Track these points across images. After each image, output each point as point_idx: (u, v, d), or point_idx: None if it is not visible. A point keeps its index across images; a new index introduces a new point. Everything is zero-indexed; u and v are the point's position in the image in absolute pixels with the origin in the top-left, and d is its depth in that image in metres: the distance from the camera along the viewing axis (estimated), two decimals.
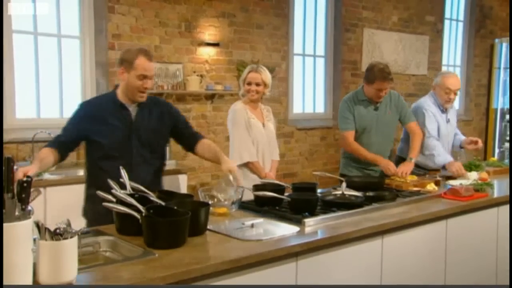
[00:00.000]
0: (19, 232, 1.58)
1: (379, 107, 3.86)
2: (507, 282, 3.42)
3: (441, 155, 3.99)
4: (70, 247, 1.71)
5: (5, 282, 1.56)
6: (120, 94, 2.78)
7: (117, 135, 2.73)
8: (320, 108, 6.73)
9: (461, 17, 8.49)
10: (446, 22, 8.15)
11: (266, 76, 3.59)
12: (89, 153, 2.81)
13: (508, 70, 8.60)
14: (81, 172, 4.49)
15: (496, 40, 8.74)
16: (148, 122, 2.80)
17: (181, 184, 4.68)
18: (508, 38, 8.44)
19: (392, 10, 7.19)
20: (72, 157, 4.57)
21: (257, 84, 3.56)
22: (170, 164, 4.76)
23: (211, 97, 5.47)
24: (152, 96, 2.96)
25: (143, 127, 2.79)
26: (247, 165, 3.54)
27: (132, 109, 2.78)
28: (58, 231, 1.71)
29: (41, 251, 1.67)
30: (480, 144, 4.29)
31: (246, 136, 3.54)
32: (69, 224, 1.75)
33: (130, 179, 2.55)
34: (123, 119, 2.75)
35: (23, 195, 1.62)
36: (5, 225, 1.56)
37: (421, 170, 4.23)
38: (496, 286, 3.43)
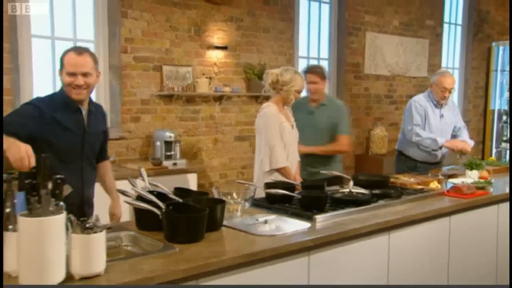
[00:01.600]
0: (54, 226, 1.64)
1: (316, 111, 3.96)
2: (506, 280, 3.45)
3: (439, 138, 4.27)
4: (100, 240, 1.77)
5: (42, 273, 1.62)
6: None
7: (71, 140, 2.60)
8: None
9: (460, 21, 8.53)
10: (445, 26, 8.20)
11: None
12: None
13: (505, 72, 8.65)
14: None
15: (493, 44, 8.78)
16: (96, 129, 2.74)
17: (192, 183, 4.74)
18: (505, 42, 8.50)
19: (393, 14, 7.24)
20: None
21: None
22: (180, 164, 4.85)
23: (219, 98, 5.53)
24: (96, 102, 2.84)
25: (92, 133, 2.70)
26: (278, 170, 3.44)
27: (85, 114, 2.65)
28: (87, 225, 1.78)
29: (73, 244, 1.73)
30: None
31: (279, 142, 3.42)
32: (97, 219, 1.81)
33: (81, 184, 2.58)
34: (77, 123, 2.61)
35: (57, 191, 1.68)
36: (41, 219, 1.62)
37: (419, 163, 4.38)
38: (496, 286, 3.46)
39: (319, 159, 3.94)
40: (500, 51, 8.75)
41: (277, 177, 3.41)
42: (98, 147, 2.80)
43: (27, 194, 1.67)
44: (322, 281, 2.44)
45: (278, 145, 3.44)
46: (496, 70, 8.81)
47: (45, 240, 1.62)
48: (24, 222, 1.62)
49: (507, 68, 8.52)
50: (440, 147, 4.31)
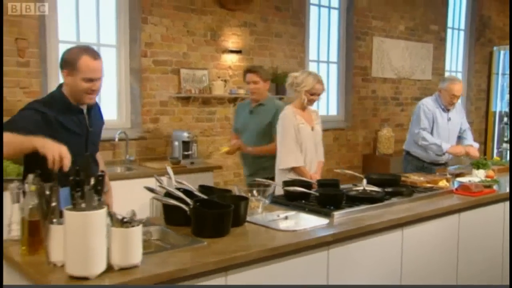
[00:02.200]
0: (97, 220, 1.69)
1: (254, 111, 3.91)
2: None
3: (443, 144, 4.27)
4: (137, 233, 1.82)
5: (87, 264, 1.67)
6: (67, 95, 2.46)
7: (76, 142, 2.43)
8: (333, 111, 6.82)
9: (463, 26, 8.55)
10: (449, 31, 8.22)
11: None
12: (33, 156, 2.17)
13: (506, 76, 8.66)
14: (118, 169, 4.62)
15: (495, 48, 8.80)
16: (97, 126, 2.66)
17: (208, 181, 4.77)
18: (505, 46, 8.50)
19: (399, 19, 7.27)
20: (108, 156, 4.68)
21: (319, 95, 3.56)
22: (197, 163, 4.90)
23: (233, 100, 5.57)
24: None
25: (94, 132, 2.61)
26: (294, 169, 3.48)
27: (85, 113, 2.52)
28: (125, 219, 1.82)
29: (113, 237, 1.77)
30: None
31: (293, 142, 3.46)
32: (134, 214, 1.86)
33: None
34: (80, 124, 2.49)
35: (99, 187, 1.73)
36: (86, 213, 1.68)
37: (425, 164, 4.39)
38: (496, 286, 3.46)
39: (258, 160, 3.93)
40: (501, 55, 8.77)
41: (294, 176, 3.44)
42: (98, 141, 2.73)
43: (72, 190, 1.71)
44: (341, 274, 2.49)
45: (291, 146, 3.47)
46: (497, 74, 8.83)
47: (89, 233, 1.67)
48: (70, 216, 1.67)
49: (508, 71, 8.54)
50: (444, 153, 4.33)
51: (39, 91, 4.23)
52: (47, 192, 1.80)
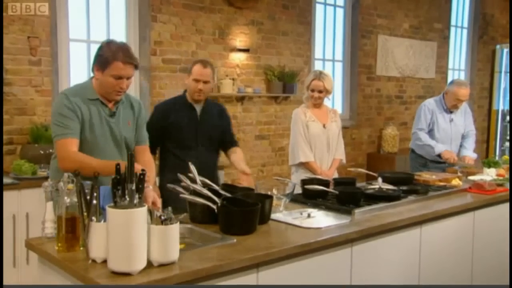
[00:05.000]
0: (139, 217, 1.75)
1: (117, 112, 2.62)
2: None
3: (437, 146, 4.37)
4: (175, 230, 1.88)
5: (129, 260, 1.73)
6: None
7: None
8: (338, 109, 6.83)
9: (466, 25, 8.66)
10: (452, 29, 8.32)
11: (329, 83, 3.68)
12: None
13: (508, 74, 8.77)
14: None
15: (497, 46, 8.91)
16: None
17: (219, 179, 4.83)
18: (508, 44, 8.61)
19: (403, 18, 7.36)
20: None
21: (320, 91, 3.67)
22: None
23: (241, 99, 5.64)
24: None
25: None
26: (304, 165, 3.67)
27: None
28: (162, 217, 1.89)
29: (152, 234, 1.84)
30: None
31: (301, 138, 3.66)
32: (171, 211, 1.92)
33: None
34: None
35: (140, 186, 1.79)
36: (129, 211, 1.74)
37: (428, 161, 4.48)
38: (496, 286, 3.53)
39: None
40: (504, 54, 8.87)
41: (304, 171, 3.65)
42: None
43: (113, 188, 1.78)
44: (363, 270, 2.57)
45: (300, 142, 3.67)
46: (500, 72, 8.93)
47: (131, 230, 1.73)
48: (113, 214, 1.74)
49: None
50: (438, 155, 4.38)
51: (50, 89, 4.28)
52: (87, 190, 1.86)
